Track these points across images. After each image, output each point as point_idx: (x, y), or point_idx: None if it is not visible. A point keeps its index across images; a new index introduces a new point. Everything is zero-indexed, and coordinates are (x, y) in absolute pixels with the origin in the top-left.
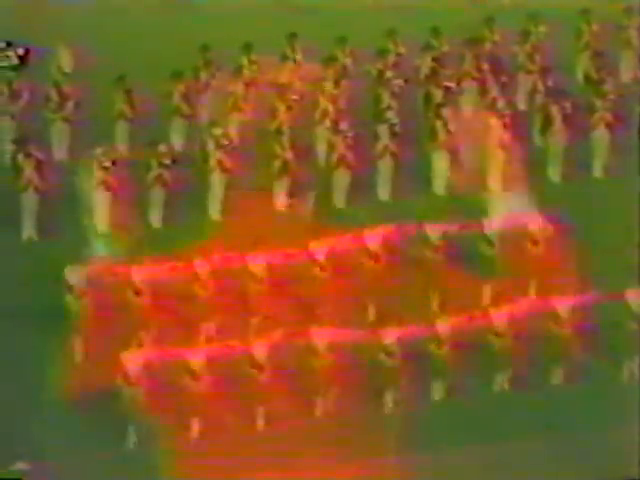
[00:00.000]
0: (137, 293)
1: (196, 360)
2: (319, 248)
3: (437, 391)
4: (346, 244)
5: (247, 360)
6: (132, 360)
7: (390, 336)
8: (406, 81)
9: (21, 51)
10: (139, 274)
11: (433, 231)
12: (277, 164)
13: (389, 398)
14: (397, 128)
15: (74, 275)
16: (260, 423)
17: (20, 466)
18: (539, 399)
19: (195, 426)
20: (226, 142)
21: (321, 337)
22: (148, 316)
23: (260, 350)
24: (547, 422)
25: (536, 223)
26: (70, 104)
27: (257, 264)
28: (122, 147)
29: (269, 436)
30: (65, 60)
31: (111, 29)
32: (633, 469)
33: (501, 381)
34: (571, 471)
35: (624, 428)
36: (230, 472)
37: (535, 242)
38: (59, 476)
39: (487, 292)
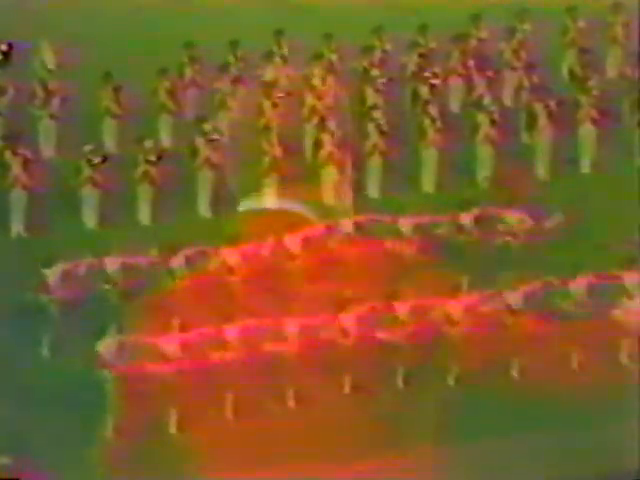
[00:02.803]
0: (112, 284)
1: (169, 346)
2: (293, 239)
3: (399, 377)
4: (318, 232)
5: (221, 344)
6: (107, 348)
7: (347, 319)
8: (390, 79)
9: (4, 47)
10: (112, 265)
11: (406, 223)
12: (266, 161)
13: (348, 381)
14: (384, 127)
15: (49, 274)
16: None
17: (2, 460)
18: (536, 396)
19: (174, 416)
20: (214, 137)
21: (292, 325)
22: (121, 306)
23: (233, 334)
24: (546, 420)
25: (513, 215)
26: (56, 101)
27: (231, 257)
28: (109, 144)
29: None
30: (49, 56)
31: (96, 25)
32: (633, 467)
33: (454, 375)
34: (571, 470)
35: (624, 427)
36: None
37: (513, 235)
38: (41, 470)
39: (449, 282)
